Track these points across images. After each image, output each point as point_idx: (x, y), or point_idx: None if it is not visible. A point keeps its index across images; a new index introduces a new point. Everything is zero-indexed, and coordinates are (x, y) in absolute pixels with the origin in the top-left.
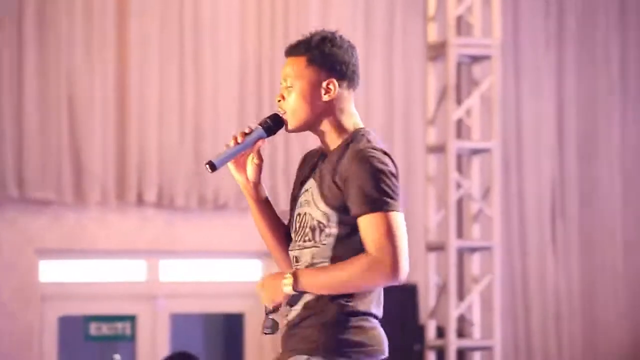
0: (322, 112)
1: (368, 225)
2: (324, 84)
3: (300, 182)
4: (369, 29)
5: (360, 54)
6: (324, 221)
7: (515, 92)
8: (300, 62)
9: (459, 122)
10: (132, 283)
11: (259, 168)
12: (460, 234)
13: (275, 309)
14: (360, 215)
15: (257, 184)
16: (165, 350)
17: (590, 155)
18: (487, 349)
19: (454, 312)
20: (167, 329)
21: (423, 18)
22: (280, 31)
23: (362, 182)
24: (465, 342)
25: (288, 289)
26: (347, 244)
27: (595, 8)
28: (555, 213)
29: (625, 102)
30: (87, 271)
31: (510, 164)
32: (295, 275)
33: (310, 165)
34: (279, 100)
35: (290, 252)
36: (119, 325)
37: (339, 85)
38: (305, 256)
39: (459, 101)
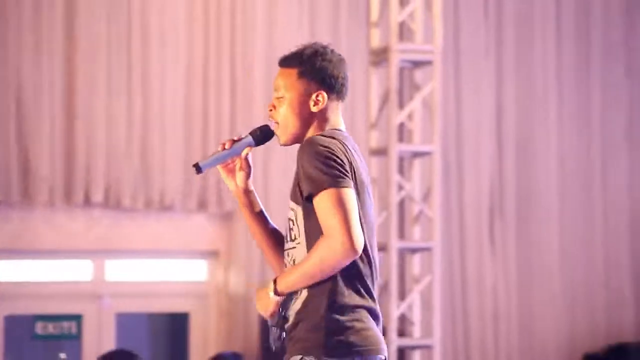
0: (310, 123)
1: (317, 209)
2: (314, 96)
3: None
4: (314, 34)
5: None
6: (293, 218)
7: (456, 97)
8: (291, 74)
9: (401, 126)
10: (78, 283)
11: (247, 175)
12: (401, 234)
13: (274, 319)
14: (310, 199)
15: (246, 191)
16: (111, 348)
17: (528, 158)
18: (426, 348)
19: (395, 312)
20: (113, 328)
21: (366, 24)
22: (227, 36)
23: (304, 169)
24: (405, 341)
25: (272, 295)
26: (316, 239)
27: (532, 15)
28: (494, 215)
29: (561, 106)
30: (33, 271)
31: (450, 167)
32: (275, 281)
33: None
34: (270, 110)
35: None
36: (65, 324)
37: (328, 97)
38: (289, 258)
39: (401, 105)
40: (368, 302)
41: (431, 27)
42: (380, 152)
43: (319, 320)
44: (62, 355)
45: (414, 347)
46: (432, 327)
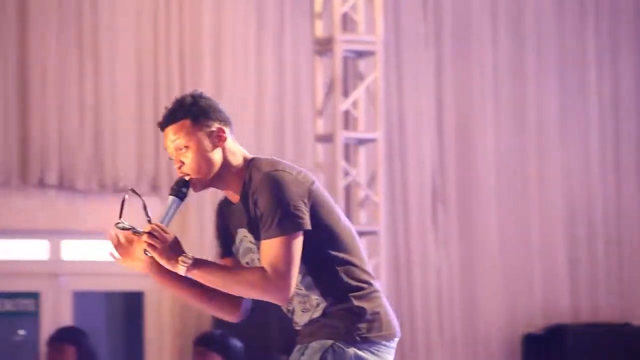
0: (219, 160)
1: (269, 246)
2: (215, 133)
3: (230, 233)
4: (260, 25)
5: (253, 50)
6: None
7: (398, 86)
8: (185, 125)
9: (346, 114)
10: (35, 261)
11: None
12: (347, 218)
13: (132, 231)
14: (264, 239)
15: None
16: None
17: (467, 144)
18: None
19: None
20: (70, 306)
21: (310, 15)
22: (175, 25)
23: (264, 207)
24: None
25: (182, 270)
26: (322, 270)
27: (469, 8)
28: (436, 199)
29: (497, 95)
30: None
31: (393, 153)
32: (195, 264)
33: (228, 214)
34: (179, 167)
35: None
36: (23, 301)
37: (226, 129)
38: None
39: (345, 94)
40: (377, 285)
41: (373, 19)
42: (327, 138)
43: (348, 307)
44: (21, 332)
45: None
46: None
